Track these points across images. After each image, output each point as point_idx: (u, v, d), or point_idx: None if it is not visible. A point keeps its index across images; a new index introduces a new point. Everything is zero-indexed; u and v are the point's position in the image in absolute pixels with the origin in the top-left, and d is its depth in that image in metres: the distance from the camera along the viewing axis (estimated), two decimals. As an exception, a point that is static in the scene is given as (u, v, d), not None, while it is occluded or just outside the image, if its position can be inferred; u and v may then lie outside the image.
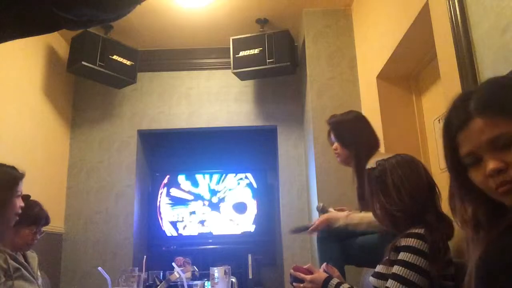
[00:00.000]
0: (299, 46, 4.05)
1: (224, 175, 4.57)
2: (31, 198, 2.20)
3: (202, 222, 4.44)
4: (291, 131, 4.18)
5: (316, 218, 3.51)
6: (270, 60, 3.70)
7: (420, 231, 1.41)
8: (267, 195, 4.53)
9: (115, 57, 3.77)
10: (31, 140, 3.46)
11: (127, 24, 3.80)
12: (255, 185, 4.53)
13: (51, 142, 3.80)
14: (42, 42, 3.67)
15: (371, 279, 1.56)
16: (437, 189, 1.52)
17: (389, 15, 2.80)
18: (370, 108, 3.19)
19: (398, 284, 1.35)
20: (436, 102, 2.69)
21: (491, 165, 0.73)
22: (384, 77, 3.04)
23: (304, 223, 3.78)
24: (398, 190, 1.49)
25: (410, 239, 1.40)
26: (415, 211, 1.47)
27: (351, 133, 2.31)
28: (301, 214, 3.95)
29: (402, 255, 1.39)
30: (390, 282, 1.38)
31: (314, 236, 2.50)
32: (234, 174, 4.57)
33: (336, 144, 2.35)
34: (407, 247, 1.39)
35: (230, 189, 4.52)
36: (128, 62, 3.87)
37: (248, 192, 4.51)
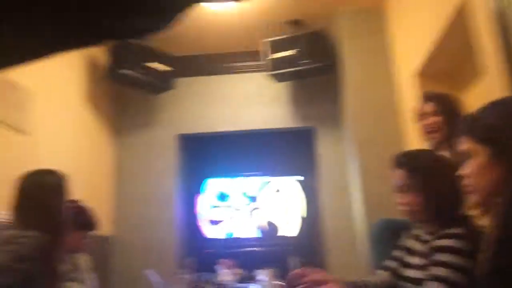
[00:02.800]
0: (334, 46, 4.02)
1: (263, 177, 4.59)
2: (81, 203, 2.28)
3: (244, 225, 4.47)
4: (330, 132, 4.15)
5: (356, 219, 3.47)
6: (306, 61, 3.69)
7: (460, 231, 1.37)
8: (310, 197, 4.50)
9: (152, 64, 3.86)
10: (77, 147, 3.59)
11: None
12: (295, 187, 4.51)
13: (97, 148, 3.93)
14: (83, 52, 3.80)
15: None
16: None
17: (427, 10, 2.74)
18: (409, 106, 3.12)
19: (443, 285, 1.30)
20: (478, 99, 2.60)
21: None
22: (423, 74, 2.97)
23: (347, 224, 3.75)
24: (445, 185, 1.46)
25: (450, 239, 1.36)
26: (453, 210, 1.45)
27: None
28: (342, 215, 3.91)
29: (442, 256, 1.35)
30: (433, 285, 1.33)
31: (360, 236, 2.46)
32: (273, 177, 4.57)
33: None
34: (448, 248, 1.35)
35: (270, 192, 4.53)
36: (165, 68, 3.95)
37: (289, 194, 4.50)
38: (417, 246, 1.54)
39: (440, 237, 1.40)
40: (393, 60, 3.54)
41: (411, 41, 3.08)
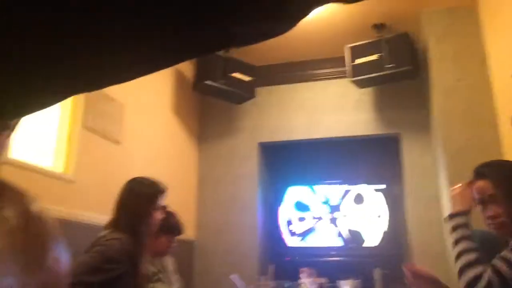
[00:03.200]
0: (420, 48, 3.84)
1: (345, 185, 4.49)
2: (169, 209, 2.40)
3: (325, 234, 4.40)
4: (416, 138, 3.95)
5: (444, 231, 3.25)
6: (389, 66, 3.56)
7: None
8: (393, 206, 4.32)
9: (235, 74, 3.97)
10: (166, 155, 3.79)
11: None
12: (377, 196, 4.36)
13: (182, 156, 4.12)
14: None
15: None
16: None
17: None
18: (507, 111, 2.87)
19: None
20: None
21: None
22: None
23: (436, 237, 3.54)
24: None
25: None
26: None
27: None
28: (430, 226, 3.69)
29: None
30: None
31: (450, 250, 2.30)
32: (354, 185, 4.46)
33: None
34: None
35: (352, 200, 4.42)
36: (247, 78, 4.04)
37: (371, 203, 4.35)
38: None
39: None
40: (487, 62, 3.29)
41: (508, 41, 2.84)
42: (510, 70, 2.78)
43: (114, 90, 3.08)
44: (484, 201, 1.49)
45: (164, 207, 2.25)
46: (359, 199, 4.41)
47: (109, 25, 0.28)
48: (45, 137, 2.62)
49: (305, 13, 0.35)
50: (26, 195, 0.27)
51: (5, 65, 0.29)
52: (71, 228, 2.51)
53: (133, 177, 2.10)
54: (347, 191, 4.46)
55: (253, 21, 0.32)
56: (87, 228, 2.46)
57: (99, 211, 2.11)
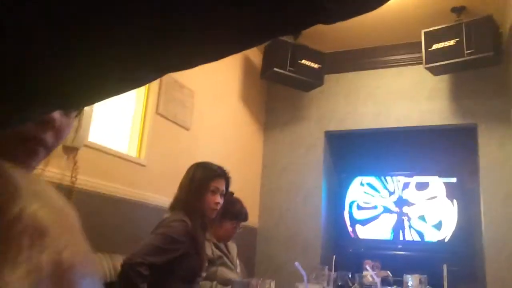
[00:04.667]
0: (505, 32, 3.54)
1: (415, 177, 4.31)
2: (234, 196, 2.45)
3: (391, 226, 4.27)
4: (495, 129, 3.68)
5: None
6: (469, 51, 3.32)
7: None
8: (465, 201, 4.09)
9: (303, 61, 3.92)
10: (231, 142, 3.85)
11: (314, 28, 3.89)
12: (451, 189, 4.14)
13: (247, 144, 4.16)
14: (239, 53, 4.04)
15: None
16: None
17: None
18: None
19: None
20: None
21: None
22: None
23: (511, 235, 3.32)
24: None
25: None
26: None
27: None
28: (507, 223, 3.44)
29: None
30: None
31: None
32: (426, 177, 4.26)
33: None
34: None
35: (421, 193, 4.23)
36: (315, 66, 3.97)
37: (444, 196, 4.14)
38: None
39: None
40: None
41: None
42: None
43: (185, 77, 3.17)
44: None
45: (230, 193, 2.30)
46: (429, 191, 4.21)
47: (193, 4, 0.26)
48: (121, 123, 2.77)
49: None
50: (66, 241, 0.27)
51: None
52: (141, 209, 2.64)
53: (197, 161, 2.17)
54: (416, 184, 4.28)
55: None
56: (156, 209, 2.57)
57: (167, 194, 2.20)
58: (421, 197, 4.23)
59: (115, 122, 2.72)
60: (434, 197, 4.18)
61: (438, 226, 4.10)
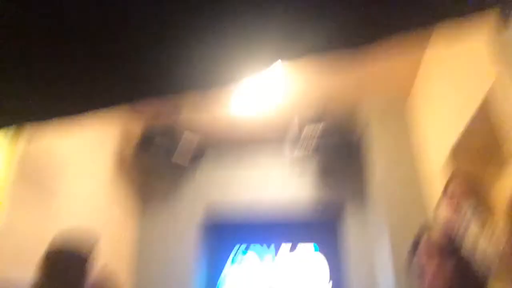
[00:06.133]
0: (360, 129, 3.99)
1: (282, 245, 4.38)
2: (104, 273, 2.25)
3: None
4: (355, 216, 4.02)
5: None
6: (330, 137, 3.72)
7: None
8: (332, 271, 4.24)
9: (184, 134, 3.96)
10: (102, 213, 3.59)
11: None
12: (319, 258, 4.28)
13: (120, 216, 3.92)
14: (118, 120, 3.92)
15: None
16: None
17: (453, 101, 2.73)
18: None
19: None
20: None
21: None
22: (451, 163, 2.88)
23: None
24: None
25: None
26: None
27: None
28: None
29: None
30: None
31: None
32: (289, 245, 4.37)
33: None
34: None
35: (288, 261, 4.31)
36: (196, 138, 4.04)
37: (311, 265, 4.26)
38: None
39: None
40: (419, 151, 3.49)
41: (438, 130, 3.08)
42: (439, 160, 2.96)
43: (56, 143, 2.95)
44: None
45: (100, 270, 2.11)
46: (295, 260, 4.30)
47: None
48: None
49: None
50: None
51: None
52: None
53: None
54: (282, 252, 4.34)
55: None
56: None
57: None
58: (289, 265, 4.28)
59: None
60: (304, 265, 4.25)
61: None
